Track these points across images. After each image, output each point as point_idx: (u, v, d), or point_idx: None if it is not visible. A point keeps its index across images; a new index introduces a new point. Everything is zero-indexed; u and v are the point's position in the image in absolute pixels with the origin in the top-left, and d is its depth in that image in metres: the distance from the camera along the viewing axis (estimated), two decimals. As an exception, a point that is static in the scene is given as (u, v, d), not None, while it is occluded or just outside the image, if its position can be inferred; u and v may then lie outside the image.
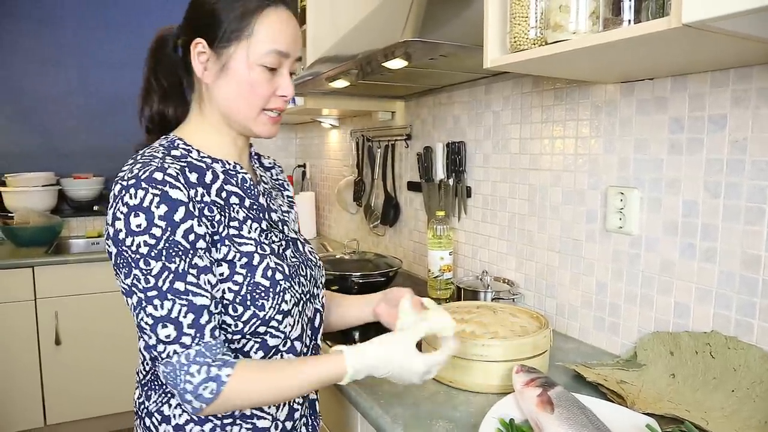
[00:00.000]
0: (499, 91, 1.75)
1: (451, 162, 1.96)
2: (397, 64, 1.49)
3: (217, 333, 0.83)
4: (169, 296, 0.79)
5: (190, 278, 0.81)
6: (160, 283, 0.79)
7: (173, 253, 0.80)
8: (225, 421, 0.91)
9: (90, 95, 3.50)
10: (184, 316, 0.80)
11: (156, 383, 0.92)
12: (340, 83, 1.86)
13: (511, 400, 1.03)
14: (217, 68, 0.90)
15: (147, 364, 0.93)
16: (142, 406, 0.94)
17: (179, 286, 0.80)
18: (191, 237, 0.82)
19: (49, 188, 3.24)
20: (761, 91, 1.04)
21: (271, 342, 0.93)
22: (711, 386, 1.09)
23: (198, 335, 0.80)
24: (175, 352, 0.80)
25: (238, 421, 0.92)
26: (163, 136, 0.96)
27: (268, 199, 1.01)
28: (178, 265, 0.80)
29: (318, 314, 1.05)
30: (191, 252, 0.82)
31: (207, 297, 0.82)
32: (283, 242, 0.99)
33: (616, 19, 0.92)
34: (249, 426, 0.93)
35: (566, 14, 0.95)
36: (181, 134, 0.95)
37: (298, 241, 1.05)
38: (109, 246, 0.82)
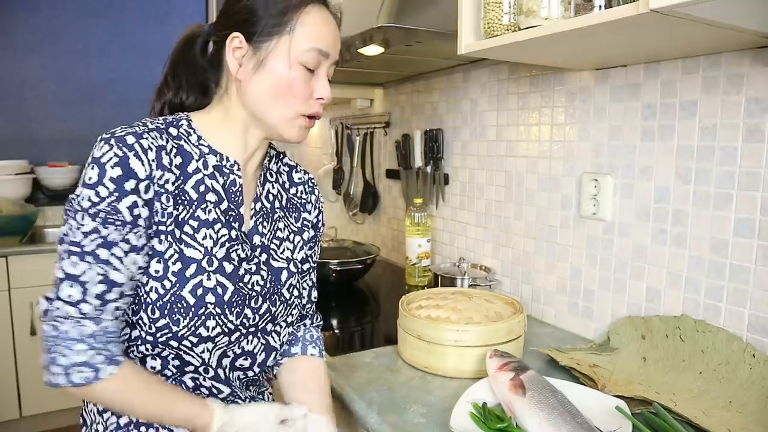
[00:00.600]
0: (477, 79, 1.76)
1: (429, 149, 1.96)
2: (373, 50, 1.49)
3: (119, 314, 0.79)
4: (88, 258, 0.75)
5: (116, 250, 0.76)
6: (84, 242, 0.75)
7: (110, 219, 0.76)
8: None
9: (65, 82, 3.43)
10: (94, 285, 0.76)
11: None
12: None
13: (485, 384, 1.04)
14: (254, 64, 0.85)
15: None
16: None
17: (102, 253, 0.76)
18: (135, 212, 0.78)
19: (23, 176, 3.17)
20: (730, 77, 1.06)
21: (186, 358, 0.86)
22: (680, 369, 1.11)
23: (100, 309, 0.76)
24: (69, 316, 0.75)
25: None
26: (174, 114, 0.92)
27: (259, 220, 0.95)
28: (111, 233, 0.76)
29: (270, 353, 0.97)
30: (129, 226, 0.77)
31: (125, 276, 0.78)
32: (254, 266, 0.92)
33: (587, 5, 0.92)
34: None
35: (539, 0, 0.95)
36: (192, 116, 0.91)
37: (282, 271, 0.96)
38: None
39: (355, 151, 2.57)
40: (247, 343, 0.93)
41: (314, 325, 1.12)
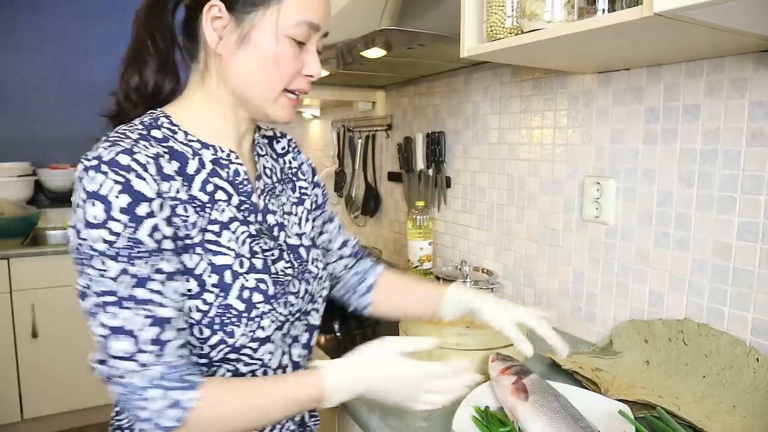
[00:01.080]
0: (479, 81, 1.75)
1: (431, 152, 1.96)
2: (375, 53, 1.49)
3: (185, 351, 0.72)
4: (127, 304, 0.67)
5: (153, 285, 0.68)
6: (116, 288, 0.67)
7: (134, 254, 0.67)
8: None
9: (67, 83, 3.44)
10: (143, 330, 0.67)
11: None
12: (322, 72, 1.85)
13: (487, 388, 1.04)
14: (236, 37, 0.76)
15: None
16: (116, 419, 0.86)
17: (140, 293, 0.67)
18: (156, 236, 0.69)
19: (25, 178, 3.18)
20: (734, 81, 1.05)
21: (244, 369, 0.80)
22: (683, 372, 1.10)
23: (159, 354, 0.68)
24: (129, 371, 0.67)
25: None
26: (148, 112, 0.81)
27: (267, 198, 0.88)
28: (141, 268, 0.68)
29: (312, 332, 0.93)
30: (156, 254, 0.69)
31: (173, 309, 0.70)
32: (276, 251, 0.85)
33: (590, 8, 0.92)
34: None
35: (542, 3, 0.95)
36: (170, 110, 0.81)
37: (300, 248, 0.91)
38: (69, 233, 0.70)
39: (356, 154, 2.57)
40: (294, 329, 0.88)
41: (360, 258, 1.12)
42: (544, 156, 1.51)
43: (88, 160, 0.68)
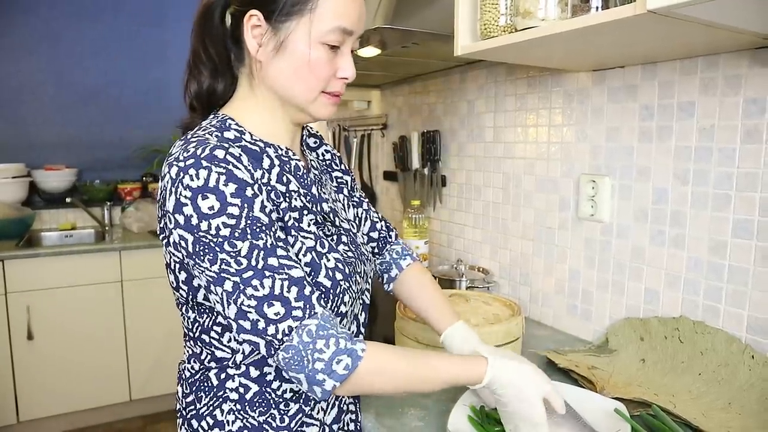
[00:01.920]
0: (474, 80, 1.75)
1: (426, 151, 1.96)
2: (370, 52, 1.48)
3: (323, 302, 0.77)
4: (267, 273, 0.72)
5: (280, 251, 0.75)
6: (253, 262, 0.72)
7: (257, 230, 0.73)
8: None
9: (62, 85, 3.42)
10: (288, 291, 0.73)
11: (206, 384, 0.86)
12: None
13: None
14: (274, 45, 0.80)
15: (196, 363, 0.87)
16: (191, 408, 0.88)
17: (273, 261, 0.73)
18: (267, 209, 0.76)
19: (20, 180, 3.16)
20: (728, 78, 1.05)
21: None
22: (679, 370, 1.10)
23: (308, 307, 0.74)
24: (291, 328, 0.72)
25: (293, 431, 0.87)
26: (212, 115, 0.86)
27: (320, 188, 0.92)
28: (266, 240, 0.74)
29: (366, 310, 0.97)
30: (272, 226, 0.76)
31: (300, 268, 0.76)
32: (335, 236, 0.91)
33: (584, 6, 0.92)
34: None
35: (536, 1, 0.95)
36: (231, 113, 0.86)
37: (351, 232, 0.96)
38: (177, 236, 0.74)
39: (352, 153, 2.57)
40: (356, 308, 0.93)
41: (393, 241, 1.15)
42: (539, 154, 1.51)
43: (182, 161, 0.73)
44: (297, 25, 0.79)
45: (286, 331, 0.72)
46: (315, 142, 1.06)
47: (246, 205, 0.73)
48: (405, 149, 2.09)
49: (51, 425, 2.85)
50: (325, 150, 1.06)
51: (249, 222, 0.73)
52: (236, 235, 0.72)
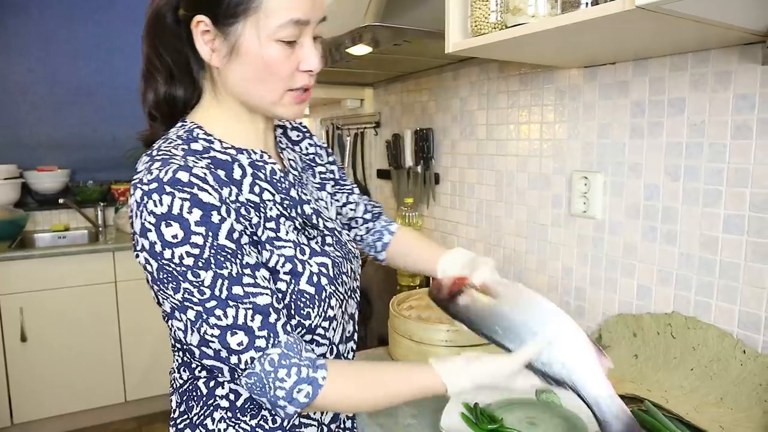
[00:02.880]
0: (466, 77, 1.75)
1: (420, 149, 1.96)
2: (361, 50, 1.48)
3: (289, 328, 0.76)
4: (231, 303, 0.71)
5: (246, 279, 0.73)
6: (217, 292, 0.71)
7: (222, 259, 0.71)
8: None
9: (54, 85, 3.41)
10: (252, 320, 0.72)
11: (196, 393, 0.85)
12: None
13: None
14: (227, 50, 0.76)
15: (185, 372, 0.87)
16: (183, 417, 0.87)
17: (237, 290, 0.71)
18: (235, 235, 0.73)
19: (12, 181, 3.15)
20: (718, 74, 1.05)
21: (318, 350, 0.85)
22: (672, 366, 1.11)
23: (271, 336, 0.73)
24: (253, 359, 0.72)
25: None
26: (180, 124, 0.83)
27: (300, 189, 0.89)
28: (230, 269, 0.71)
29: (357, 308, 0.97)
30: (239, 252, 0.73)
31: (268, 294, 0.74)
32: (320, 238, 0.88)
33: (574, 2, 0.92)
34: None
35: (525, -3, 0.95)
36: (198, 120, 0.83)
37: (335, 231, 0.94)
38: (143, 259, 0.72)
39: (346, 152, 2.57)
40: (350, 307, 0.93)
41: (378, 216, 1.17)
42: (531, 151, 1.51)
43: (146, 184, 0.70)
44: (245, 26, 0.75)
45: (248, 362, 0.72)
46: (298, 135, 1.02)
47: (210, 233, 0.70)
48: (398, 147, 2.09)
49: (45, 427, 2.85)
50: (309, 143, 1.03)
51: (213, 251, 0.71)
52: (200, 264, 0.70)
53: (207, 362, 0.74)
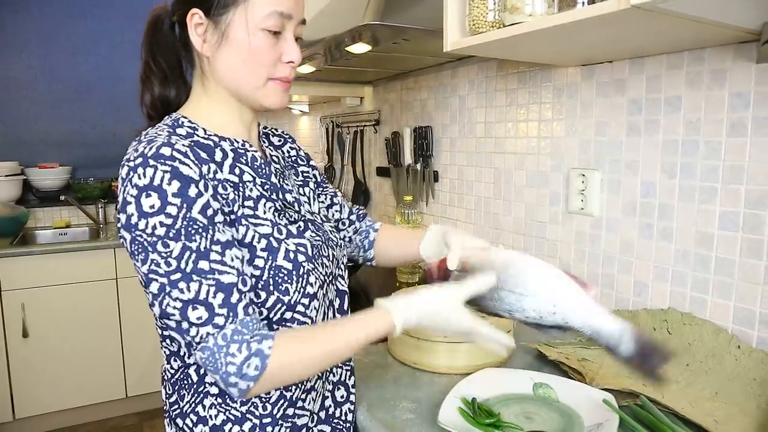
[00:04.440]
0: (465, 75, 1.76)
1: (419, 147, 1.96)
2: (360, 48, 1.49)
3: (250, 310, 0.78)
4: (195, 277, 0.73)
5: (213, 255, 0.75)
6: (182, 265, 0.73)
7: (192, 231, 0.74)
8: (264, 421, 0.86)
9: (54, 82, 3.41)
10: (213, 297, 0.74)
11: (187, 382, 0.87)
12: (306, 68, 1.85)
13: (474, 379, 1.05)
14: (217, 38, 0.83)
15: (175, 361, 0.88)
16: (174, 407, 0.89)
17: (203, 265, 0.74)
18: (209, 212, 0.76)
19: (13, 178, 3.16)
20: (714, 72, 1.06)
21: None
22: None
23: (231, 314, 0.75)
24: (209, 334, 0.74)
25: (279, 421, 0.87)
26: (166, 117, 0.89)
27: (281, 180, 0.94)
28: (200, 243, 0.74)
29: (344, 297, 0.99)
30: (211, 228, 0.76)
31: (234, 274, 0.76)
32: (301, 223, 0.92)
33: (570, 1, 0.93)
34: (289, 425, 0.89)
35: (523, -3, 0.96)
36: (185, 113, 0.89)
37: (316, 222, 0.97)
38: (122, 234, 0.76)
39: (345, 149, 2.58)
40: (330, 293, 0.95)
41: (363, 217, 1.18)
42: (529, 149, 1.52)
43: (132, 160, 0.75)
44: (235, 15, 0.82)
45: (204, 336, 0.74)
46: (280, 140, 1.07)
47: (185, 205, 0.74)
48: (397, 145, 2.10)
49: (47, 422, 2.86)
50: (291, 147, 1.08)
51: (185, 223, 0.74)
52: (170, 235, 0.73)
53: (168, 332, 0.78)
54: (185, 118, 0.87)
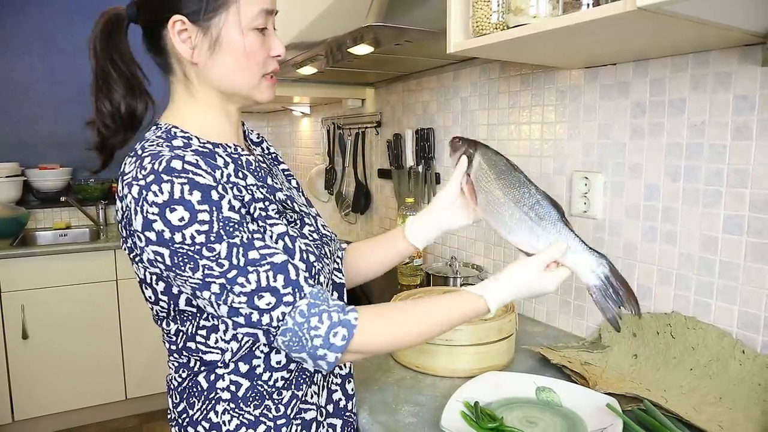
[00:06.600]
0: (467, 77, 1.75)
1: (421, 149, 1.96)
2: (362, 50, 1.48)
3: (311, 281, 0.79)
4: (250, 268, 0.74)
5: (257, 242, 0.76)
6: (234, 261, 0.73)
7: (231, 229, 0.74)
8: (279, 422, 0.86)
9: (55, 83, 3.41)
10: (275, 280, 0.74)
11: (196, 390, 0.86)
12: (308, 70, 1.85)
13: (476, 383, 1.04)
14: (209, 44, 0.81)
15: (184, 372, 0.87)
16: (184, 415, 0.88)
17: (253, 255, 0.74)
18: (236, 207, 0.76)
19: (14, 179, 3.16)
20: (718, 75, 1.06)
21: None
22: (671, 365, 1.11)
23: (296, 290, 0.76)
24: (284, 314, 0.74)
25: (291, 420, 0.87)
26: (154, 127, 0.85)
27: (272, 178, 0.93)
28: (241, 236, 0.74)
29: (342, 290, 0.99)
30: (244, 221, 0.76)
31: (281, 252, 0.77)
32: (298, 222, 0.92)
33: (575, 3, 0.92)
34: (299, 422, 0.89)
35: (527, -2, 0.95)
36: (172, 121, 0.86)
37: (310, 215, 0.98)
38: (151, 253, 0.74)
39: (346, 151, 2.57)
40: (329, 288, 0.95)
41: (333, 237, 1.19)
42: (532, 151, 1.51)
43: (142, 179, 0.73)
44: (226, 18, 0.81)
45: (280, 317, 0.74)
46: (258, 137, 1.07)
47: (214, 208, 0.73)
48: (399, 147, 2.09)
49: (46, 424, 2.86)
50: (268, 146, 1.08)
51: (221, 224, 0.73)
52: (212, 239, 0.73)
53: (241, 330, 0.76)
54: (175, 128, 0.84)
